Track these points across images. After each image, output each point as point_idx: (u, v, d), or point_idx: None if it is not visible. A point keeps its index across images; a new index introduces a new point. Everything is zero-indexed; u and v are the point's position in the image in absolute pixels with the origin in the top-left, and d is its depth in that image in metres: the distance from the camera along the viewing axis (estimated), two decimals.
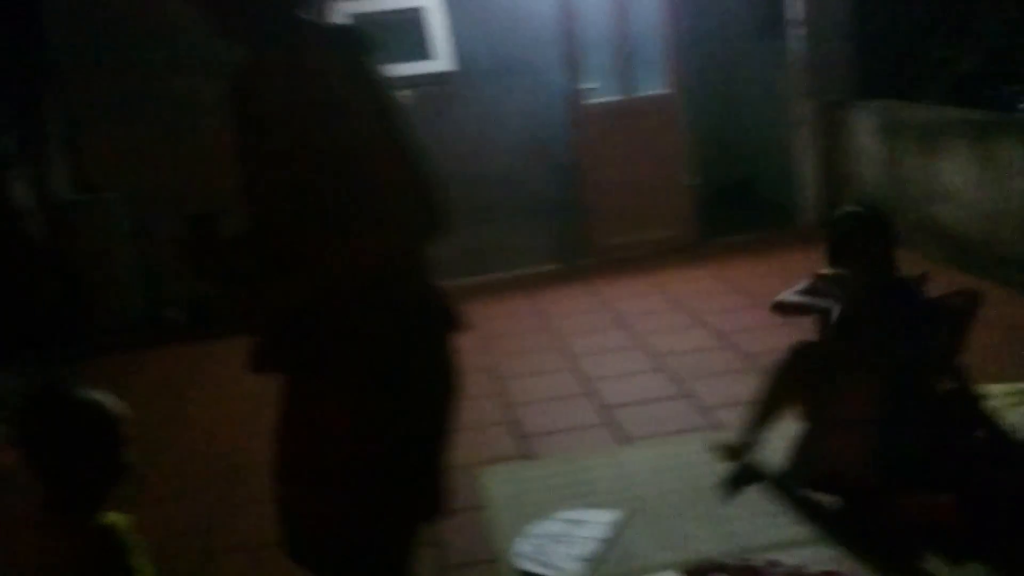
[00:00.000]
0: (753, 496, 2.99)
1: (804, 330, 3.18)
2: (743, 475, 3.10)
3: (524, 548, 2.83)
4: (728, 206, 6.88)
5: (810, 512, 2.86)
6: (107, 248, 5.67)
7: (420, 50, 5.92)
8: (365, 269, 1.67)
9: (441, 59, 5.96)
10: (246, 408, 4.34)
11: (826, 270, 3.10)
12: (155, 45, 5.72)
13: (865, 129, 6.04)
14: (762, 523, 2.83)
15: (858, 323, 2.93)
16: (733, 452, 3.16)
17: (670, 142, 6.32)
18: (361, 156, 1.62)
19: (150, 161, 5.76)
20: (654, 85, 6.31)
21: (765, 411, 3.12)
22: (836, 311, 2.98)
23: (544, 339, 4.91)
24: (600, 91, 6.24)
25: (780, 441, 3.08)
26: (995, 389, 3.32)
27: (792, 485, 2.97)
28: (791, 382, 3.06)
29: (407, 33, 5.93)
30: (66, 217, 5.66)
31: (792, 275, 3.34)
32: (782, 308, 3.16)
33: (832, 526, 2.77)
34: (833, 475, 2.84)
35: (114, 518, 1.72)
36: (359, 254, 1.66)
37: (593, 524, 2.92)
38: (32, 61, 5.65)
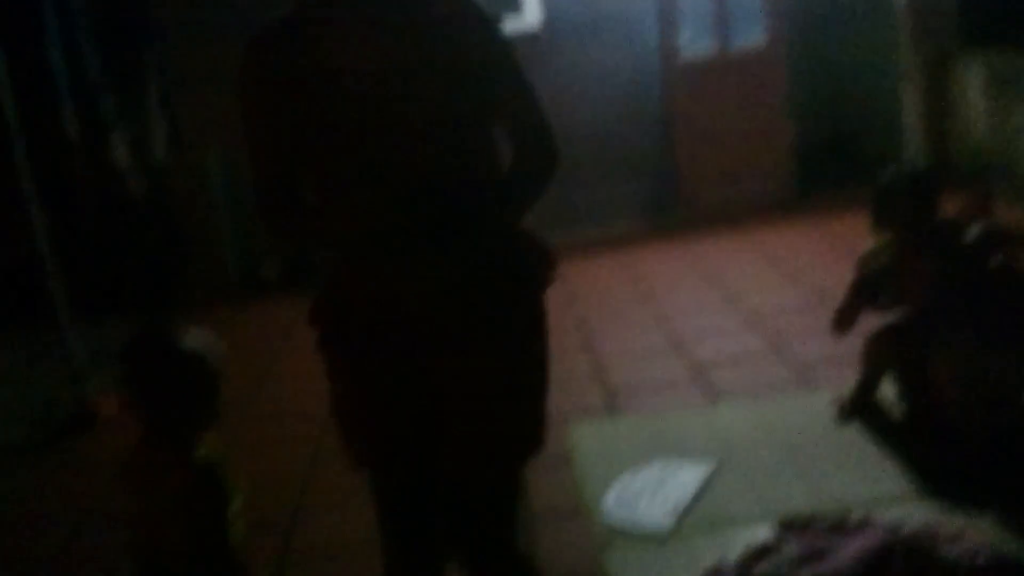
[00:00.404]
0: (850, 451, 2.90)
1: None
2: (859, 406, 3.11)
3: (612, 501, 2.81)
4: (830, 161, 6.64)
5: (909, 468, 2.76)
6: (203, 206, 5.81)
7: (511, 4, 5.86)
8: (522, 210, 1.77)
9: (531, 13, 5.89)
10: None
11: (866, 251, 3.05)
12: (252, 7, 5.79)
13: (973, 80, 5.74)
14: (858, 479, 2.74)
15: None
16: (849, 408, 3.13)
17: (769, 94, 6.13)
18: (506, 98, 1.71)
19: None
20: (753, 36, 6.11)
21: (869, 381, 3.10)
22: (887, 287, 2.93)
23: (634, 296, 4.84)
24: (696, 43, 6.08)
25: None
26: None
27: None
28: (885, 357, 3.02)
29: None
30: (164, 176, 5.82)
31: None
32: (842, 324, 3.07)
33: (931, 483, 2.66)
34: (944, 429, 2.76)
35: (207, 450, 1.80)
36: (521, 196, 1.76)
37: (683, 478, 2.87)
38: (132, 22, 5.80)
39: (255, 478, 3.34)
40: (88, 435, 3.96)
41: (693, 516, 2.67)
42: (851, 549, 2.17)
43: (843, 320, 3.06)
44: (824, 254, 5.05)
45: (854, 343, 3.15)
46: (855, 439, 2.98)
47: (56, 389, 4.32)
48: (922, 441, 2.85)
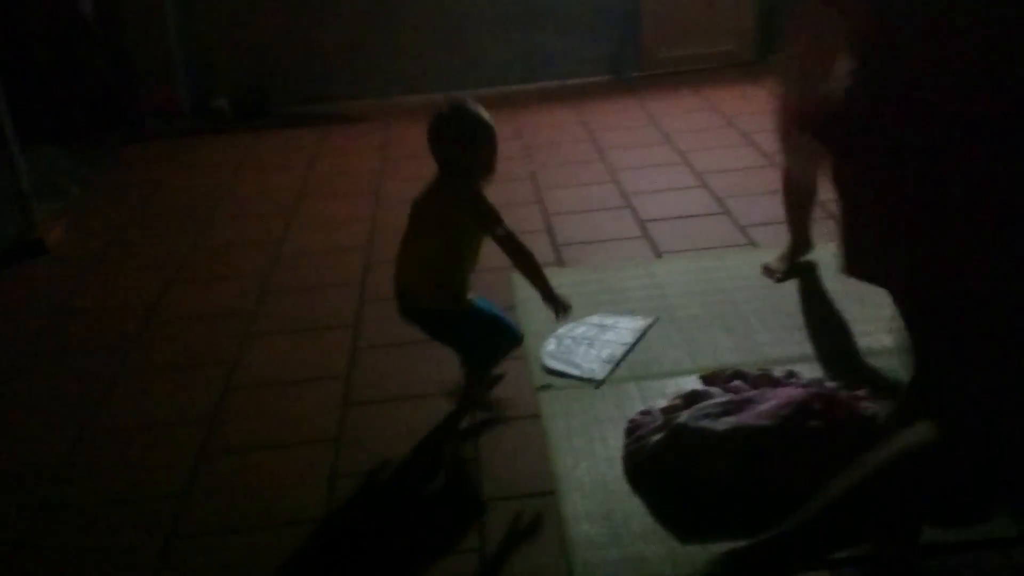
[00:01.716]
0: (781, 310, 3.04)
1: None
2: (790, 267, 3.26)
3: (551, 347, 2.92)
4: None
5: (834, 329, 2.91)
6: (155, 32, 5.62)
7: None
8: None
9: None
10: (289, 200, 4.42)
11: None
12: None
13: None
14: (785, 337, 2.88)
15: None
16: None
17: None
18: None
19: None
20: None
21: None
22: None
23: (588, 151, 4.86)
24: None
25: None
26: None
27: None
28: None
29: None
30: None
31: None
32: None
33: (854, 344, 2.82)
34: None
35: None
36: None
37: (620, 329, 2.99)
38: None
39: (205, 310, 3.42)
40: (36, 262, 3.96)
41: (626, 364, 2.81)
42: (773, 400, 2.29)
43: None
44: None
45: None
46: (787, 298, 3.12)
47: (2, 214, 4.28)
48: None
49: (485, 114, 2.42)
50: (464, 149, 2.40)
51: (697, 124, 5.14)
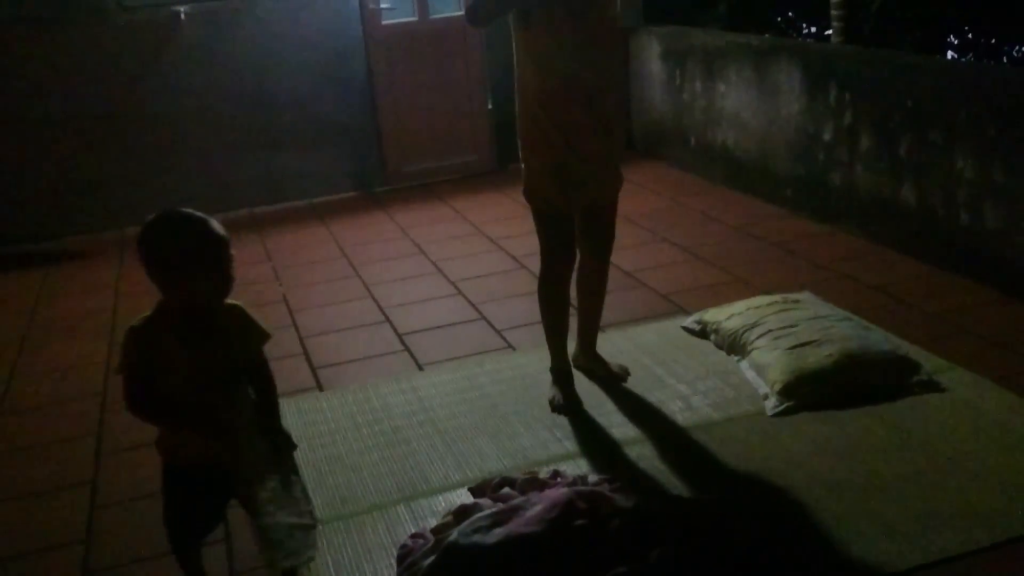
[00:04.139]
0: (541, 410, 3.07)
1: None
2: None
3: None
4: None
5: (591, 421, 2.97)
6: None
7: None
8: None
9: None
10: (10, 349, 4.04)
11: None
12: None
13: (652, 54, 6.19)
14: (547, 437, 2.90)
15: None
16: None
17: (469, 66, 6.25)
18: None
19: None
20: (452, 6, 6.20)
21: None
22: None
23: (342, 268, 4.80)
24: (397, 11, 6.07)
25: None
26: (763, 300, 3.52)
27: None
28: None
29: None
30: None
31: None
32: None
33: (610, 435, 2.88)
34: None
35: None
36: None
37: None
38: None
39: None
40: None
41: (395, 484, 2.71)
42: (539, 505, 2.28)
43: None
44: (520, 222, 5.24)
45: None
46: (542, 399, 3.15)
47: None
48: None
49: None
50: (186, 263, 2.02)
51: (447, 233, 5.22)
